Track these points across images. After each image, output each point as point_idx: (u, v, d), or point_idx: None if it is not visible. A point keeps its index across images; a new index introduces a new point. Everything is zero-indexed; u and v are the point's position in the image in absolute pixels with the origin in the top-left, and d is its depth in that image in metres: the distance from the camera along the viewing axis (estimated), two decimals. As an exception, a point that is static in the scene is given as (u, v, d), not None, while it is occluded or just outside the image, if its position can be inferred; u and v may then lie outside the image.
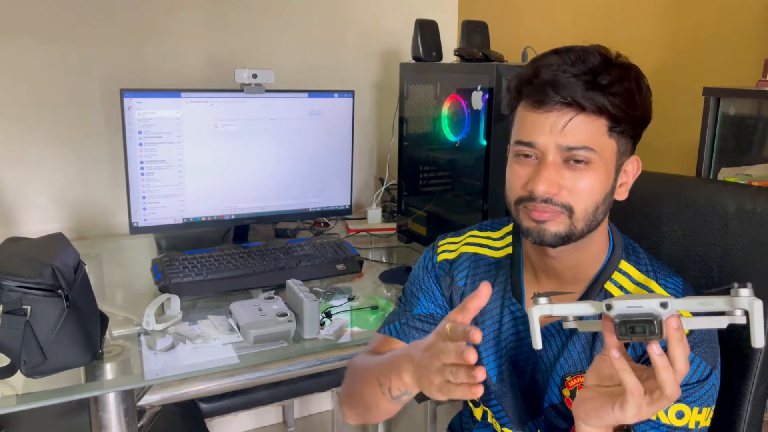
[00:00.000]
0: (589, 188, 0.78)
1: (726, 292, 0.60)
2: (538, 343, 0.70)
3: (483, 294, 0.69)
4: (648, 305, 0.63)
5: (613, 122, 0.78)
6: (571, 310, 0.69)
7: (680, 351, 0.63)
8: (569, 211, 0.78)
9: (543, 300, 0.69)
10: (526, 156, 0.80)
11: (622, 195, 0.84)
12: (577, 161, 0.77)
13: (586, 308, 0.68)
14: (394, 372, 0.79)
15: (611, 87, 0.76)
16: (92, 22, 1.71)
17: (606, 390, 0.69)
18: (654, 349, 0.62)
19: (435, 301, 0.99)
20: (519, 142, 0.80)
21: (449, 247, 1.01)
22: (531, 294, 0.90)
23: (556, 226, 0.79)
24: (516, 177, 0.82)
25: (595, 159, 0.77)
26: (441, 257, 1.00)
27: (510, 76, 1.30)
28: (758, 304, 0.59)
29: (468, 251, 0.99)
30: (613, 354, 0.65)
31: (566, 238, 0.80)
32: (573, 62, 0.76)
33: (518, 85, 0.81)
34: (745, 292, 0.59)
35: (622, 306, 0.64)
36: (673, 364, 0.63)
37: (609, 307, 0.65)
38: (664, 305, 0.62)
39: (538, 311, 0.69)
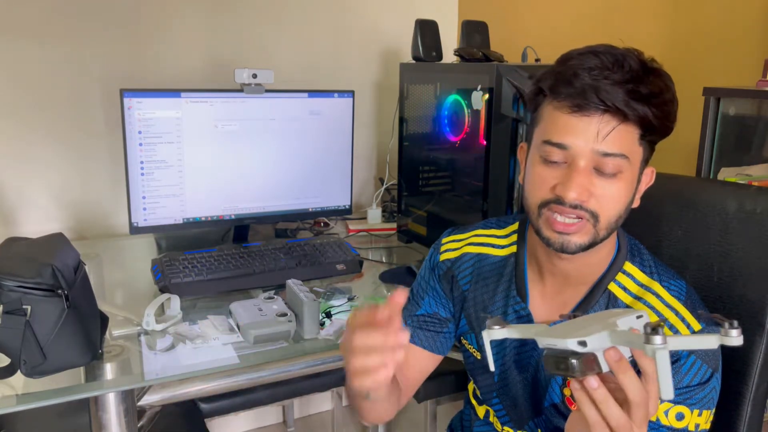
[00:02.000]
0: (617, 196, 0.77)
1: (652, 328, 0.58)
2: (491, 365, 0.76)
3: (396, 300, 0.68)
4: (562, 344, 0.62)
5: (645, 131, 0.77)
6: (521, 333, 0.72)
7: (628, 382, 0.61)
8: (595, 219, 0.77)
9: (496, 327, 0.73)
10: (553, 161, 0.78)
11: (634, 203, 0.83)
12: (607, 169, 0.76)
13: (534, 329, 0.70)
14: None
15: (653, 97, 0.74)
16: (92, 23, 1.71)
17: None
18: (589, 383, 0.62)
19: (439, 300, 1.00)
20: (549, 143, 0.78)
21: (452, 246, 1.01)
22: (536, 293, 0.91)
23: (581, 237, 0.78)
24: (541, 181, 0.79)
25: (626, 167, 0.76)
26: (443, 257, 1.01)
27: (510, 76, 1.30)
28: (662, 355, 0.57)
29: (471, 251, 0.99)
30: (573, 386, 0.64)
31: (589, 246, 0.79)
32: (612, 66, 0.74)
33: (554, 84, 0.78)
34: (657, 340, 0.57)
35: (543, 341, 0.64)
36: (627, 397, 0.62)
37: (538, 339, 0.66)
38: (582, 344, 0.62)
39: (488, 336, 0.73)
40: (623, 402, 0.63)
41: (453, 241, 1.01)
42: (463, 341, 1.00)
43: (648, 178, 0.84)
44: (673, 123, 0.79)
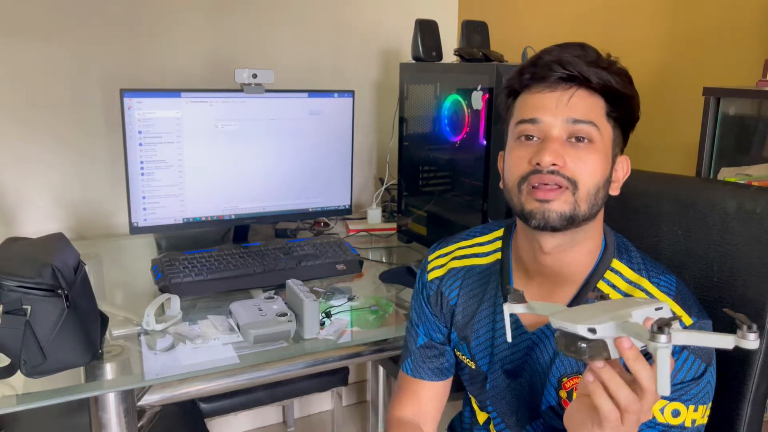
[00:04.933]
0: (592, 165, 0.79)
1: (665, 324, 0.58)
2: (509, 336, 0.78)
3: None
4: (573, 328, 0.63)
5: (611, 106, 0.81)
6: (540, 311, 0.72)
7: (640, 369, 0.61)
8: (574, 186, 0.79)
9: (516, 303, 0.75)
10: (528, 138, 0.81)
11: (614, 191, 0.85)
12: (580, 139, 0.79)
13: (552, 308, 0.70)
14: None
15: (612, 66, 0.80)
16: (92, 22, 1.71)
17: (592, 402, 0.68)
18: (594, 364, 0.63)
19: (430, 326, 1.02)
20: (522, 122, 0.82)
21: (438, 262, 1.02)
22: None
23: (561, 205, 0.78)
24: (518, 159, 0.82)
25: (596, 137, 0.79)
26: (431, 276, 1.02)
27: (508, 78, 1.30)
28: (662, 353, 0.57)
29: (456, 266, 0.99)
30: (587, 377, 0.64)
31: (571, 220, 0.79)
32: (571, 48, 0.81)
33: (520, 72, 0.83)
34: (662, 339, 0.57)
35: (557, 322, 0.65)
36: (638, 384, 0.62)
37: (552, 319, 0.66)
38: (592, 331, 0.62)
39: (508, 309, 0.75)
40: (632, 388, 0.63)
41: (438, 257, 1.02)
42: (457, 353, 1.01)
43: (624, 167, 0.86)
44: (635, 100, 0.83)
